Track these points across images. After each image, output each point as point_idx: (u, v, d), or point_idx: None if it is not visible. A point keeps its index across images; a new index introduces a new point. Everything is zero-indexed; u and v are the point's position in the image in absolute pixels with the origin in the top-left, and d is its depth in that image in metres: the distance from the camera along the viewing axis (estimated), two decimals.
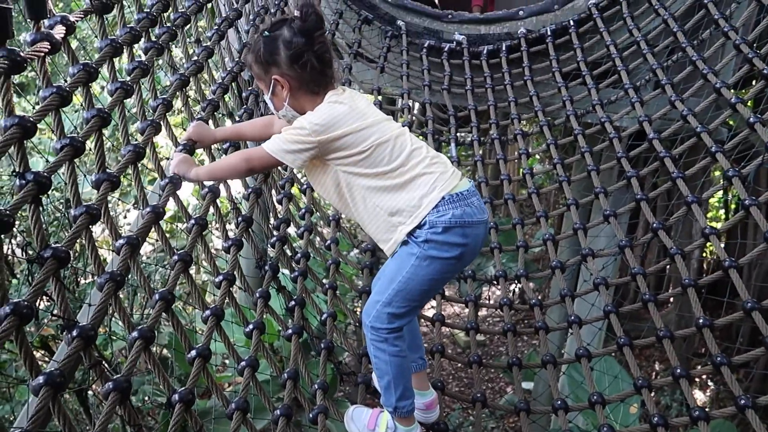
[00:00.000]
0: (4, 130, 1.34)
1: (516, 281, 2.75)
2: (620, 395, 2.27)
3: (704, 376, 6.61)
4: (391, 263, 1.74)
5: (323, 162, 1.69)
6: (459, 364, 7.26)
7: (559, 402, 2.16)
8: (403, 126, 1.77)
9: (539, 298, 2.63)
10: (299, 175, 2.80)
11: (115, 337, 3.36)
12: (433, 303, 2.69)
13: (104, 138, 1.72)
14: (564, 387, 3.35)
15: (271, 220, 2.44)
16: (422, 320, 2.67)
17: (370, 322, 1.73)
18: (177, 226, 5.47)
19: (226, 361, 4.14)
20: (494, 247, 2.87)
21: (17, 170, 1.35)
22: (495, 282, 2.75)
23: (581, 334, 2.45)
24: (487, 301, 3.77)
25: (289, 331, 2.08)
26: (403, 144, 1.67)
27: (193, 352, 1.70)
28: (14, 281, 2.99)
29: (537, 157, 7.81)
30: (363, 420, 1.90)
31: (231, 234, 2.18)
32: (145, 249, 5.25)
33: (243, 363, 1.85)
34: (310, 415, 1.93)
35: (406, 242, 1.69)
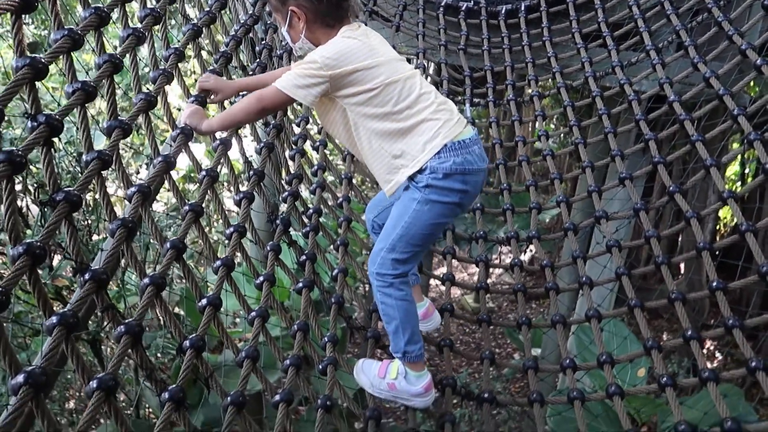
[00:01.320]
0: (15, 70, 1.33)
1: (528, 243, 2.74)
2: (629, 355, 2.27)
3: (711, 347, 6.62)
4: (394, 211, 1.78)
5: (332, 100, 1.70)
6: (467, 329, 7.32)
7: (567, 361, 2.17)
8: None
9: (550, 260, 2.62)
10: (312, 132, 2.78)
11: (128, 292, 3.40)
12: (444, 263, 2.69)
13: (115, 86, 1.70)
14: (572, 349, 3.36)
15: (283, 176, 2.42)
16: (432, 280, 2.68)
17: (375, 269, 1.77)
18: (188, 188, 5.49)
19: (237, 320, 4.19)
20: (506, 208, 2.84)
21: (29, 112, 1.34)
22: (506, 243, 2.74)
23: (592, 297, 2.44)
24: (498, 263, 3.76)
25: (300, 284, 2.09)
26: (412, 86, 1.68)
27: (204, 301, 1.71)
28: (28, 231, 3.00)
29: (552, 126, 7.70)
30: (373, 370, 1.92)
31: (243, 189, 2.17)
32: (156, 208, 5.29)
33: (253, 313, 1.87)
34: (320, 366, 1.95)
35: (407, 188, 1.72)
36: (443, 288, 2.61)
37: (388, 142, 1.69)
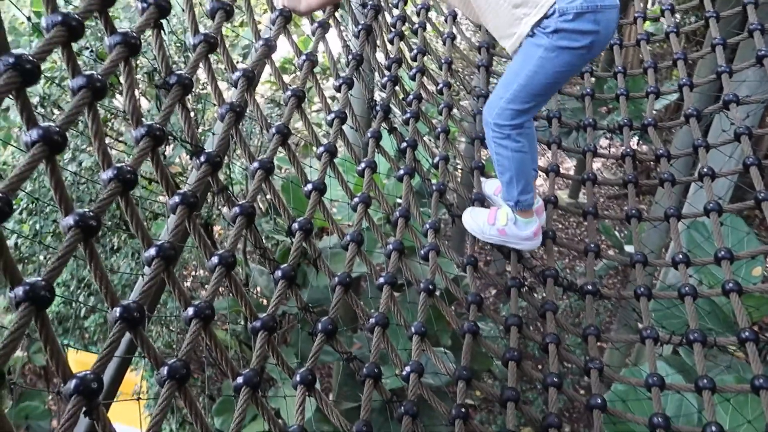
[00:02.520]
0: None
1: (643, 131, 2.54)
2: (751, 252, 2.12)
3: None
4: (516, 58, 1.70)
5: None
6: (560, 225, 7.18)
7: (680, 256, 2.06)
8: None
9: (666, 149, 2.43)
10: (410, 13, 2.64)
11: (233, 181, 3.55)
12: (548, 153, 2.56)
13: None
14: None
15: (382, 60, 2.34)
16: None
17: (492, 119, 1.75)
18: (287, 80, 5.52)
19: (334, 210, 4.32)
20: (621, 93, 2.61)
21: None
22: (618, 131, 2.55)
23: (712, 189, 2.25)
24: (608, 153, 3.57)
25: (401, 171, 2.08)
26: None
27: (309, 186, 1.74)
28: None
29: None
30: (481, 217, 1.99)
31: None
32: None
33: (356, 199, 1.88)
34: (422, 252, 1.97)
35: (531, 35, 1.62)
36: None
37: None
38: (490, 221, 2.00)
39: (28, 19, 2.32)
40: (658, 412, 1.74)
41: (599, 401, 1.77)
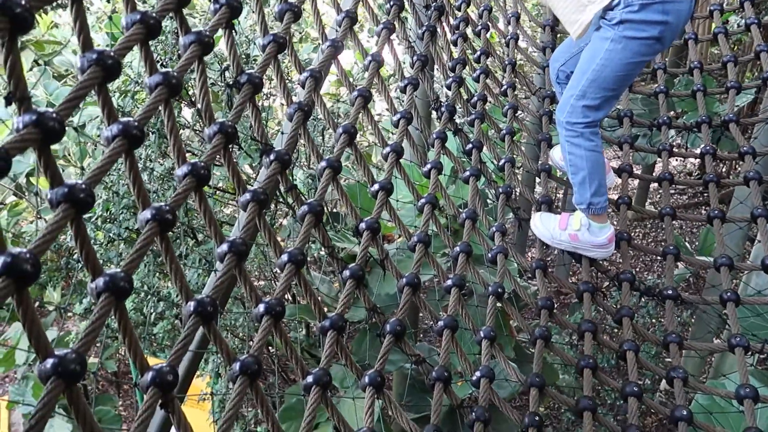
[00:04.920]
0: None
1: (724, 128, 2.39)
2: None
3: None
4: (584, 54, 1.68)
5: None
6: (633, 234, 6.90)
7: None
8: None
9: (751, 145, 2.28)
10: (473, 15, 2.60)
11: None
12: (619, 153, 2.46)
13: None
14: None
15: (446, 61, 2.31)
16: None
17: (564, 117, 1.72)
18: (341, 91, 5.56)
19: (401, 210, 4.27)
20: (697, 89, 2.48)
21: None
22: (696, 129, 2.42)
23: None
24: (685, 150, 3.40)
25: (468, 173, 2.03)
26: None
27: (377, 186, 1.71)
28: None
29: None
30: (552, 222, 1.93)
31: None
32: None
33: (422, 200, 1.85)
34: (489, 255, 1.92)
35: (598, 28, 1.60)
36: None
37: None
38: (562, 226, 1.94)
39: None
40: (752, 426, 1.61)
41: (685, 413, 1.65)
